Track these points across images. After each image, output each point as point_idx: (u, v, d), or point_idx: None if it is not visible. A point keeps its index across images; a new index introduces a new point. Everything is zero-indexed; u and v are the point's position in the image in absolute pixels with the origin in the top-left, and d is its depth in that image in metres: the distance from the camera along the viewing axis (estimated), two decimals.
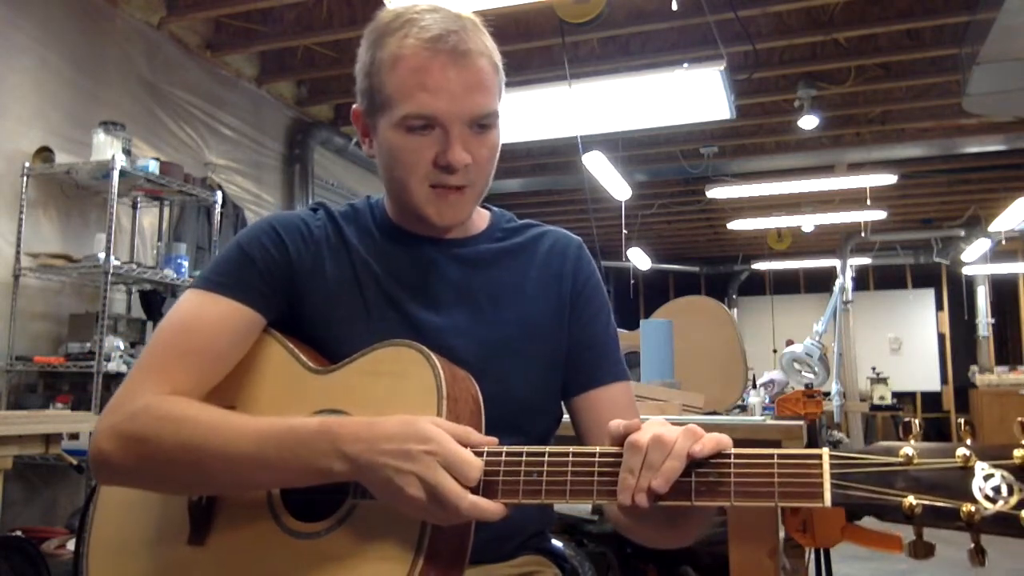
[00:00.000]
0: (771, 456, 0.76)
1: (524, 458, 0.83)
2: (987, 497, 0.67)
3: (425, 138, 0.98)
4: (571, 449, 0.83)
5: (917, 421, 0.74)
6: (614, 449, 0.81)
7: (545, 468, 0.82)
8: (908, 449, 0.72)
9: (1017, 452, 0.68)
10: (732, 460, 0.77)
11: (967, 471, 0.69)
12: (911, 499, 0.69)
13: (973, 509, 0.67)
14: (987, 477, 0.68)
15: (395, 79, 0.98)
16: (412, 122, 0.97)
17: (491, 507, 0.81)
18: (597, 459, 0.82)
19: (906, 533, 0.73)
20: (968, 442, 0.71)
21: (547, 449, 0.83)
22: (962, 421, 0.73)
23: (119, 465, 0.92)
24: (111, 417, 0.93)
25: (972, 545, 0.70)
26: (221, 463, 0.87)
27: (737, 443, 0.79)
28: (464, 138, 0.98)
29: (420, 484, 0.80)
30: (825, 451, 0.74)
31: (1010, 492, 0.67)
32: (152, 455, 0.90)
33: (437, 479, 0.80)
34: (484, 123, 1.00)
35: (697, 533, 0.93)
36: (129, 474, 0.93)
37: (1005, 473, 0.68)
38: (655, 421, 0.82)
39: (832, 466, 0.74)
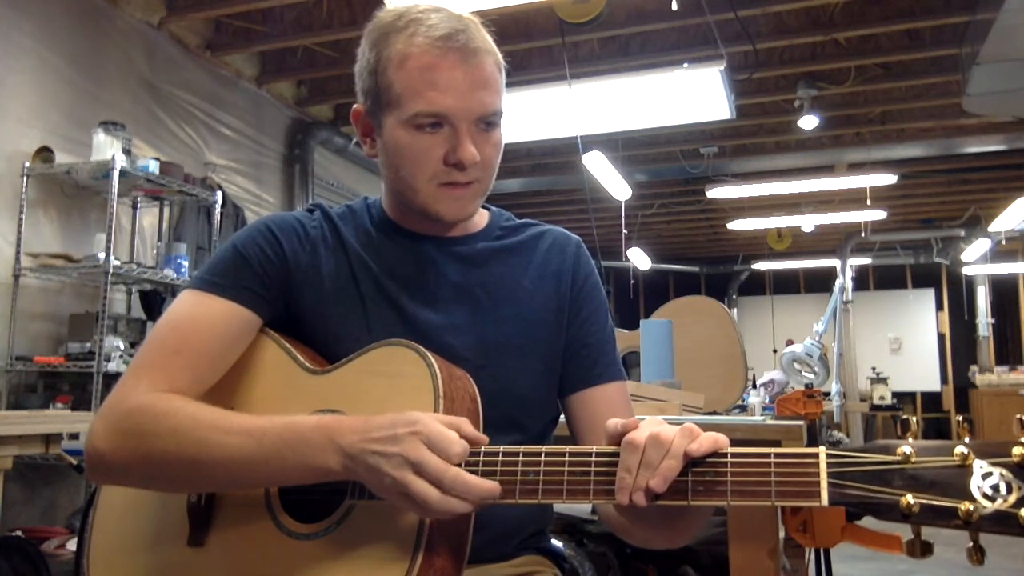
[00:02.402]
0: (768, 455, 0.76)
1: (521, 458, 0.83)
2: (985, 495, 0.67)
3: (434, 136, 0.98)
4: (568, 449, 0.83)
5: (915, 419, 0.74)
6: (611, 448, 0.81)
7: (542, 468, 0.82)
8: (906, 447, 0.71)
9: (1016, 450, 0.67)
10: (729, 459, 0.77)
11: (965, 469, 0.69)
12: (909, 498, 0.69)
13: (971, 507, 0.67)
14: (985, 475, 0.68)
15: (404, 77, 0.98)
16: (422, 120, 0.97)
17: (479, 482, 0.80)
18: (594, 459, 0.81)
19: (904, 532, 0.73)
20: (966, 440, 0.71)
21: (544, 449, 0.83)
22: (960, 418, 0.73)
23: (114, 463, 0.91)
24: (106, 416, 0.93)
25: (971, 544, 0.69)
26: (218, 460, 0.87)
27: (737, 443, 0.79)
28: (472, 136, 0.99)
29: (405, 463, 0.80)
30: (822, 450, 0.74)
31: (1009, 490, 0.66)
32: (148, 452, 0.89)
33: (420, 455, 0.79)
34: (490, 121, 1.01)
35: (693, 534, 0.93)
36: (125, 472, 0.92)
37: (1004, 471, 0.67)
38: (652, 420, 0.81)
39: (829, 465, 0.73)
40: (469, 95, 0.97)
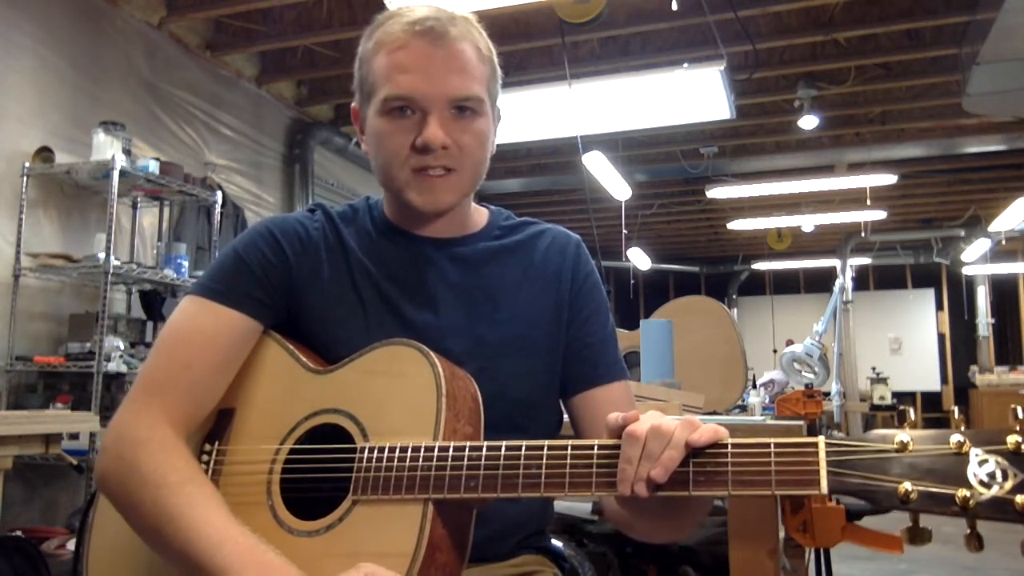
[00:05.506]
0: (767, 445, 0.77)
1: (523, 451, 0.84)
2: (982, 483, 0.68)
3: (405, 121, 0.98)
4: (570, 442, 0.83)
5: (911, 409, 0.75)
6: (612, 442, 0.82)
7: (544, 461, 0.83)
8: (903, 436, 0.72)
9: (1011, 438, 0.68)
10: (729, 449, 0.78)
11: (962, 457, 0.70)
12: (907, 485, 0.70)
13: (968, 494, 0.68)
14: (982, 463, 0.69)
15: (377, 64, 0.99)
16: (391, 104, 0.98)
17: None
18: (596, 451, 0.82)
19: (902, 522, 0.74)
20: (962, 429, 0.72)
21: (546, 443, 0.84)
22: (955, 409, 0.73)
23: (107, 493, 0.94)
24: (116, 443, 0.94)
25: (968, 531, 0.70)
26: (181, 549, 0.86)
27: None
28: (444, 121, 0.98)
29: None
30: (821, 439, 0.75)
31: (1004, 477, 0.67)
32: (129, 505, 0.91)
33: None
34: (466, 106, 1.00)
35: (694, 526, 0.94)
36: (113, 502, 0.94)
37: (999, 459, 0.68)
38: (652, 413, 0.82)
39: (828, 453, 0.74)
40: (437, 77, 0.97)
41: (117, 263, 3.74)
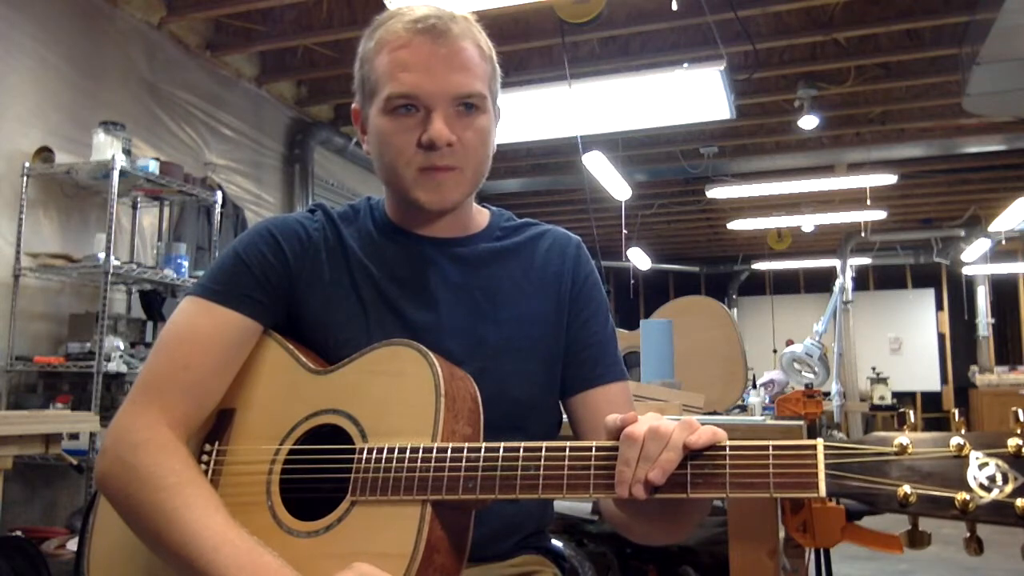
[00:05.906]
0: (766, 447, 0.76)
1: (521, 453, 0.84)
2: (982, 486, 0.68)
3: (409, 119, 0.99)
4: (568, 444, 0.83)
5: (911, 412, 0.75)
6: (610, 443, 0.82)
7: (542, 463, 0.83)
8: (903, 439, 0.72)
9: (1011, 441, 0.68)
10: (728, 452, 0.78)
11: (962, 460, 0.69)
12: (906, 488, 0.70)
13: (968, 497, 0.67)
14: (982, 466, 0.68)
15: (379, 63, 1.00)
16: (395, 102, 0.98)
17: None
18: (593, 453, 0.82)
19: (902, 524, 0.74)
20: (963, 431, 0.71)
21: (544, 444, 0.84)
22: (956, 411, 0.73)
23: (107, 494, 0.94)
24: (115, 445, 0.93)
25: (968, 535, 0.70)
26: (179, 551, 0.86)
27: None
28: (448, 117, 0.99)
29: None
30: (820, 441, 0.75)
31: (1005, 480, 0.67)
32: (129, 508, 0.91)
33: None
34: (469, 103, 1.00)
35: (693, 528, 0.94)
36: (113, 504, 0.94)
37: (1000, 462, 0.68)
38: (651, 414, 0.82)
39: (827, 456, 0.74)
40: (439, 74, 0.97)
41: (117, 263, 3.74)
